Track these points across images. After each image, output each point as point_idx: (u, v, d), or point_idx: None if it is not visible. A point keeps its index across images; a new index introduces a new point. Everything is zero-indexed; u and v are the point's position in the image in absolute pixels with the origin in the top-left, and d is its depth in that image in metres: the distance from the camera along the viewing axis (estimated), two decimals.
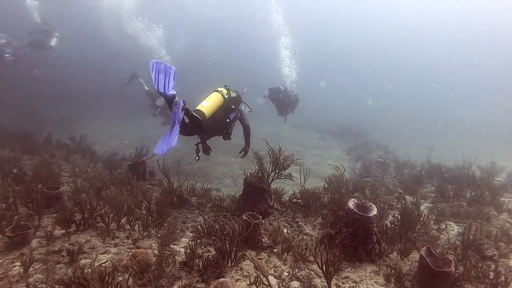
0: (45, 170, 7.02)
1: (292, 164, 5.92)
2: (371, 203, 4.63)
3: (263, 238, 4.62)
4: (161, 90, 4.86)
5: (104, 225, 4.81)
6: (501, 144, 17.20)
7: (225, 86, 6.27)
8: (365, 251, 4.33)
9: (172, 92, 4.92)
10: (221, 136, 6.43)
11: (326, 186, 7.48)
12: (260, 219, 4.59)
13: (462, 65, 49.65)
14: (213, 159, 12.79)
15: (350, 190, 7.37)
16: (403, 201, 6.86)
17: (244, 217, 4.53)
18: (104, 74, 25.33)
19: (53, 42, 15.40)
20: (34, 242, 4.29)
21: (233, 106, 6.14)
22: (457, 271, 3.89)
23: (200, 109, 5.56)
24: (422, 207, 6.52)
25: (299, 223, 5.56)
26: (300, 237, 5.07)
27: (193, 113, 5.32)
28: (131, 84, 12.44)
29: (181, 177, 8.03)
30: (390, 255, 4.61)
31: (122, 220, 5.11)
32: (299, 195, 6.76)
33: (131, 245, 4.50)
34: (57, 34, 15.42)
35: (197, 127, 5.56)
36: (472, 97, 41.62)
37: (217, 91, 6.01)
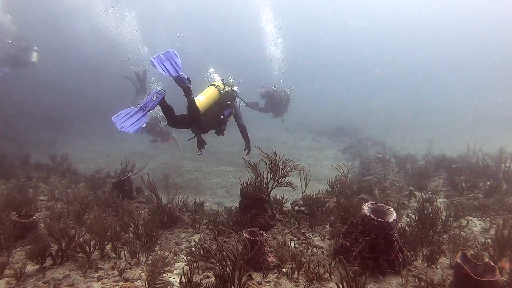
0: (20, 195, 6.36)
1: (293, 170, 5.36)
2: (388, 206, 4.08)
3: (269, 257, 4.02)
4: (176, 74, 4.97)
5: (84, 255, 4.17)
6: (496, 132, 16.92)
7: (223, 81, 6.14)
8: (388, 262, 3.77)
9: (184, 75, 5.07)
10: (215, 131, 6.32)
11: (329, 189, 6.93)
12: (264, 235, 4.00)
13: (450, 58, 49.82)
14: (204, 169, 12.18)
15: (355, 192, 6.81)
16: (418, 199, 6.34)
17: (245, 235, 3.93)
18: (85, 90, 24.55)
19: (34, 57, 14.61)
20: (1, 284, 3.63)
21: (228, 102, 5.96)
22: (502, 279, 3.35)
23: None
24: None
25: (306, 235, 4.97)
26: (309, 250, 4.48)
27: (194, 105, 5.27)
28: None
29: (171, 191, 7.43)
30: (414, 263, 4.05)
31: (107, 247, 4.48)
32: (301, 202, 6.18)
33: (117, 277, 3.87)
34: (36, 48, 14.64)
35: (192, 120, 5.50)
36: (462, 88, 41.65)
37: (214, 85, 5.83)
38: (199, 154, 6.17)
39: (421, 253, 4.18)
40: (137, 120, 4.82)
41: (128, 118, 4.81)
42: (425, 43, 49.36)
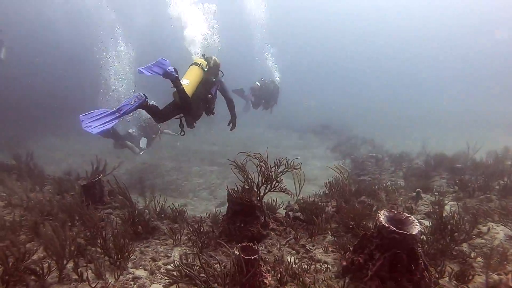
0: None
1: (288, 170, 4.65)
2: (407, 215, 3.41)
3: (266, 278, 3.30)
4: (163, 71, 4.89)
5: (37, 279, 3.36)
6: (491, 131, 16.68)
7: (203, 56, 5.93)
8: (412, 283, 3.10)
9: (170, 68, 4.96)
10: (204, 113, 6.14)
11: (325, 191, 6.26)
12: (259, 252, 3.27)
13: (438, 56, 50.10)
14: (186, 170, 11.34)
15: (353, 194, 6.15)
16: (427, 201, 5.74)
17: (237, 252, 3.19)
18: (57, 84, 23.12)
19: (2, 54, 13.57)
20: None
21: (213, 79, 5.78)
22: None
23: None
24: (447, 207, 5.37)
25: (307, 247, 4.26)
26: (312, 266, 3.77)
27: (185, 94, 5.18)
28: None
29: (148, 195, 6.62)
30: (439, 281, 3.40)
31: (68, 265, 3.66)
32: (296, 207, 5.49)
33: None
34: (6, 44, 13.56)
35: (183, 108, 5.42)
36: (452, 88, 41.79)
37: (196, 64, 5.60)
38: (182, 135, 5.93)
39: (445, 269, 3.52)
40: (106, 122, 4.62)
41: (97, 119, 4.61)
42: (416, 41, 49.40)
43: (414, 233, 3.08)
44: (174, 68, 5.04)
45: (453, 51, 48.63)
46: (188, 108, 5.39)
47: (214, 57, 6.01)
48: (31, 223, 4.67)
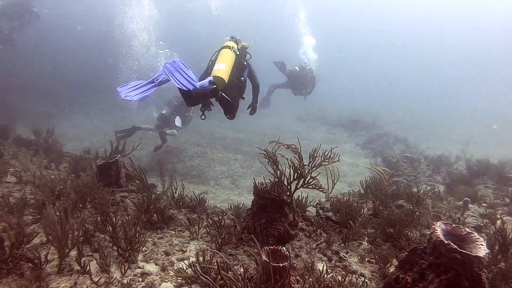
0: None
1: (325, 163, 4.10)
2: (469, 230, 2.79)
3: None
4: (192, 87, 4.41)
5: (34, 268, 2.97)
6: None
7: (232, 38, 5.61)
8: None
9: (202, 83, 4.61)
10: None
11: (360, 191, 5.67)
12: (290, 259, 2.75)
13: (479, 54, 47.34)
14: (208, 156, 10.92)
15: (389, 196, 5.52)
16: (473, 213, 5.05)
17: (264, 257, 2.68)
18: (84, 64, 23.07)
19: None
20: None
21: (245, 62, 5.54)
22: None
23: (219, 75, 4.86)
24: (499, 222, 4.67)
25: (341, 254, 3.70)
26: (347, 279, 3.22)
27: (222, 93, 4.92)
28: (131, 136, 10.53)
29: (167, 179, 6.23)
30: None
31: (71, 253, 3.27)
32: (327, 206, 4.93)
33: None
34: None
35: (215, 95, 5.02)
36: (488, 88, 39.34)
37: (228, 47, 5.26)
38: (203, 119, 5.59)
39: None
40: (145, 90, 4.49)
41: (135, 89, 4.49)
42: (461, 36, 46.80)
43: (481, 255, 2.47)
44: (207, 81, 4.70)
45: (496, 48, 45.74)
46: (228, 102, 5.11)
47: (243, 43, 5.75)
48: (38, 203, 4.33)
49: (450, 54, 48.76)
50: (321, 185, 3.88)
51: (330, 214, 4.66)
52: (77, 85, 20.05)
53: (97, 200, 4.45)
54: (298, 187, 4.00)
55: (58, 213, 3.26)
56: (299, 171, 3.78)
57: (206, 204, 5.23)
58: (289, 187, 4.00)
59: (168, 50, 13.17)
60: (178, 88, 4.45)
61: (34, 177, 5.56)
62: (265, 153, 4.13)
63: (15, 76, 17.78)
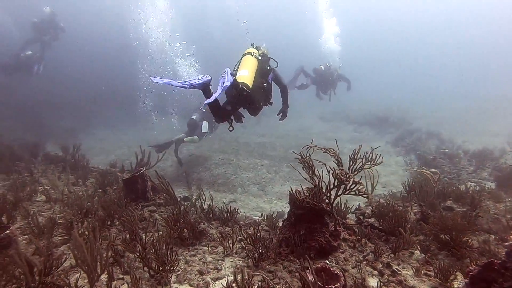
0: (14, 194, 5.10)
1: (367, 166, 3.75)
2: None
3: None
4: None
5: None
6: None
7: (253, 45, 5.65)
8: None
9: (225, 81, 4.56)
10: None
11: (403, 193, 5.26)
12: (343, 279, 2.42)
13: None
14: (234, 163, 10.67)
15: (434, 196, 5.08)
16: None
17: (310, 276, 2.36)
18: (108, 76, 23.40)
19: (41, 69, 14.38)
20: None
21: (268, 67, 5.51)
22: None
23: (242, 80, 4.93)
24: None
25: (393, 267, 3.33)
26: None
27: (242, 86, 4.86)
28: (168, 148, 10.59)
29: (194, 189, 6.01)
30: None
31: (102, 277, 3.06)
32: (368, 212, 4.56)
33: None
34: (44, 63, 14.41)
35: (243, 101, 5.11)
36: None
37: (250, 53, 5.33)
38: (231, 130, 5.53)
39: None
40: (174, 82, 4.54)
41: (165, 81, 4.55)
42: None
43: None
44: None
45: None
46: (251, 100, 5.07)
47: (264, 49, 5.81)
48: (67, 222, 4.17)
49: (475, 41, 46.70)
50: (365, 190, 3.52)
51: (373, 220, 4.29)
52: (100, 98, 20.31)
53: (125, 218, 4.25)
54: (339, 194, 3.66)
55: (87, 233, 3.06)
56: (341, 177, 3.43)
57: (238, 215, 4.94)
58: (328, 194, 3.67)
59: (185, 42, 13.16)
60: (209, 103, 4.61)
61: (62, 195, 5.44)
62: (300, 158, 3.82)
63: (43, 93, 18.16)
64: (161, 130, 16.35)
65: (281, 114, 6.15)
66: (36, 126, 15.23)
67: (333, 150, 3.74)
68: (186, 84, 4.54)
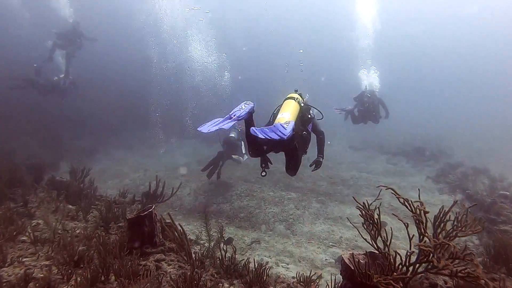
0: None
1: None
2: None
3: None
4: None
5: None
6: None
7: (296, 91, 5.40)
8: None
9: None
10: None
11: (486, 259, 4.08)
12: None
13: None
14: (258, 195, 9.61)
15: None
16: None
17: None
18: (128, 96, 22.91)
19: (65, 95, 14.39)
20: None
21: (309, 116, 5.27)
22: None
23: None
24: None
25: None
26: None
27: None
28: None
29: (213, 227, 5.01)
30: None
31: None
32: (441, 284, 3.40)
33: None
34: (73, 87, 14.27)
35: (283, 144, 4.74)
36: None
37: (293, 98, 5.06)
38: (263, 176, 5.42)
39: None
40: (224, 124, 4.22)
41: (214, 126, 4.23)
42: None
43: None
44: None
45: None
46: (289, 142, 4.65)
47: (306, 97, 5.58)
48: (44, 282, 3.19)
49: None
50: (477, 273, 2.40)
51: None
52: (119, 117, 19.83)
53: (123, 273, 3.27)
54: (417, 268, 2.56)
55: None
56: (429, 251, 2.35)
57: (267, 275, 3.87)
58: (404, 268, 2.58)
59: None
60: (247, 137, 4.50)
61: (54, 234, 4.52)
62: (362, 208, 2.78)
63: (65, 108, 17.81)
64: (181, 153, 15.61)
65: (314, 165, 5.60)
66: (54, 143, 14.74)
67: (420, 203, 2.67)
68: (235, 119, 4.28)
